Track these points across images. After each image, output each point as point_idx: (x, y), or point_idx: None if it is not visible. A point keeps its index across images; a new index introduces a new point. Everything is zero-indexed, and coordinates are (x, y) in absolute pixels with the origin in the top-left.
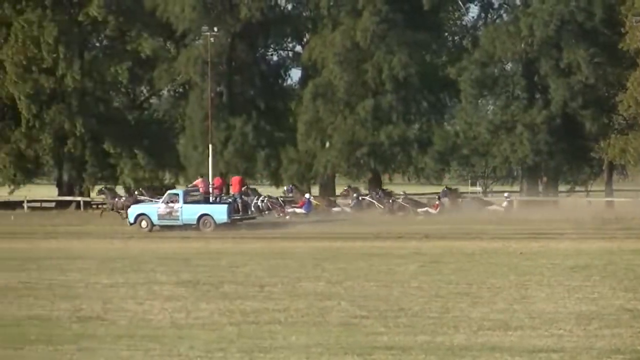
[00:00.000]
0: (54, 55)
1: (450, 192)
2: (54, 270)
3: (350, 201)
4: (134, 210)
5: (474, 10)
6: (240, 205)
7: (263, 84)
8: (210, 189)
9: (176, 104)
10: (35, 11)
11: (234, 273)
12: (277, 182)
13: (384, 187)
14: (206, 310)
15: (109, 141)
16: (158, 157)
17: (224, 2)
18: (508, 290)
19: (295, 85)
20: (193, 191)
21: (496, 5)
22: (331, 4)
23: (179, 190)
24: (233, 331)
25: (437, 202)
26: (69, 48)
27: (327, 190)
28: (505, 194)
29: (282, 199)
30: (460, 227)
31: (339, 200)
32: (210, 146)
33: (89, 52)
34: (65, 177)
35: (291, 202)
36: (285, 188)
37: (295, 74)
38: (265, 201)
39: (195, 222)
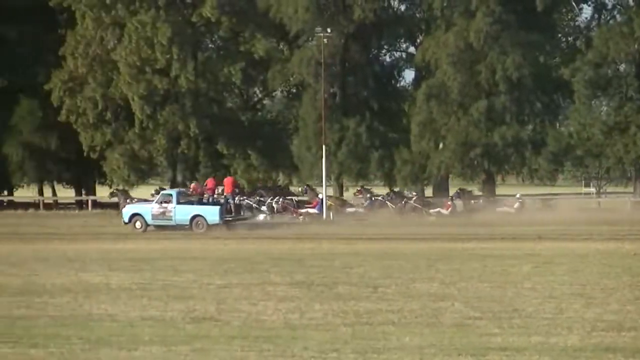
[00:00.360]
0: (168, 56)
1: (464, 193)
2: (167, 271)
3: (363, 201)
4: (128, 210)
5: (587, 11)
6: (232, 206)
7: (376, 85)
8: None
9: (289, 105)
10: (148, 12)
11: (347, 274)
12: (390, 183)
13: (395, 189)
14: (320, 311)
15: (223, 142)
16: (271, 158)
17: (338, 3)
18: (622, 291)
19: (408, 86)
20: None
21: (609, 6)
22: (444, 4)
23: (173, 191)
24: (347, 332)
25: (449, 203)
26: (182, 49)
27: (441, 191)
28: (517, 195)
29: (296, 199)
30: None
31: (352, 201)
32: (323, 147)
33: (203, 53)
34: (179, 178)
35: (305, 203)
36: (300, 189)
37: (409, 75)
38: (279, 202)
39: (188, 223)
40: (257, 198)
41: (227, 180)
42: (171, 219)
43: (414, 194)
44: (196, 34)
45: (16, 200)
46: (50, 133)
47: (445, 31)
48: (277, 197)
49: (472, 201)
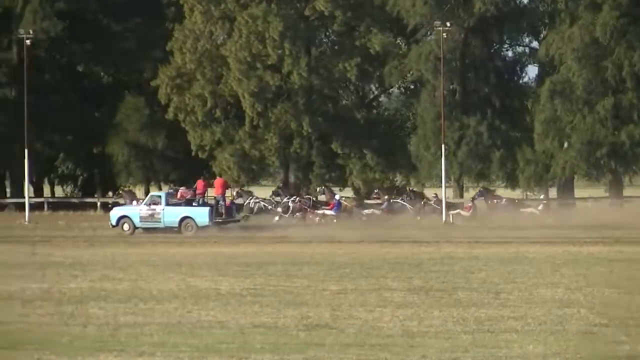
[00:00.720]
0: (280, 52)
1: (487, 193)
2: (280, 276)
3: (381, 203)
4: (116, 212)
5: None
6: (224, 208)
7: (498, 81)
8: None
9: (407, 102)
10: (259, 5)
11: (468, 279)
12: (513, 184)
13: (413, 188)
14: (439, 318)
15: (337, 141)
16: (388, 158)
17: None
18: None
19: (531, 83)
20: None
21: None
22: None
23: (162, 192)
24: (467, 340)
25: (469, 204)
26: (295, 44)
27: (566, 192)
28: (542, 196)
29: (313, 199)
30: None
31: (369, 202)
32: (443, 147)
33: (316, 48)
34: (292, 178)
35: (323, 204)
36: (317, 189)
37: (532, 71)
38: (296, 202)
39: (177, 225)
40: (273, 198)
41: (218, 182)
42: (160, 221)
43: (435, 195)
44: (309, 28)
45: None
46: (157, 132)
47: (570, 25)
48: (293, 197)
49: (495, 201)
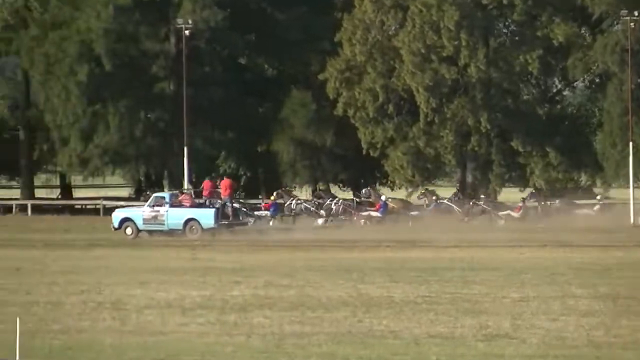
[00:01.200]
0: (456, 43)
1: (539, 194)
2: (456, 283)
3: (427, 204)
4: (118, 215)
5: None
6: (230, 210)
7: None
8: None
9: (592, 97)
10: None
11: None
12: None
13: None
14: (627, 327)
15: (518, 138)
16: (572, 157)
17: None
18: None
19: None
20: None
21: None
22: None
23: (166, 193)
24: None
25: (519, 205)
26: (472, 34)
27: None
28: (598, 197)
29: (357, 201)
30: None
31: (417, 204)
32: (630, 144)
33: (495, 39)
34: (469, 178)
35: (367, 205)
36: (362, 191)
37: None
38: (339, 204)
39: (181, 228)
40: (316, 200)
41: (224, 183)
42: (164, 224)
43: (483, 196)
44: (487, 17)
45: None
46: (325, 128)
47: None
48: (336, 199)
49: (548, 203)
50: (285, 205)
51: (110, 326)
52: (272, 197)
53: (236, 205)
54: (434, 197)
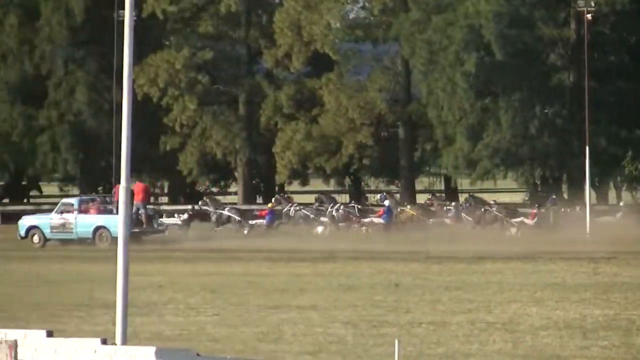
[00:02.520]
0: None
1: (557, 200)
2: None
3: (435, 209)
4: (25, 222)
5: None
6: (145, 216)
7: None
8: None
9: None
10: None
11: None
12: None
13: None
14: None
15: None
16: None
17: None
18: None
19: None
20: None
21: None
22: None
23: (74, 199)
24: None
25: (534, 211)
26: None
27: None
28: (621, 203)
29: (360, 207)
30: None
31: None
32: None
33: None
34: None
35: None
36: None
37: None
38: (340, 210)
39: (90, 236)
40: (316, 205)
41: (137, 187)
42: (72, 232)
43: (493, 201)
44: None
45: None
46: None
47: None
48: (338, 205)
49: (565, 210)
50: (284, 211)
51: (501, 349)
52: (270, 204)
53: (150, 212)
54: (453, 203)
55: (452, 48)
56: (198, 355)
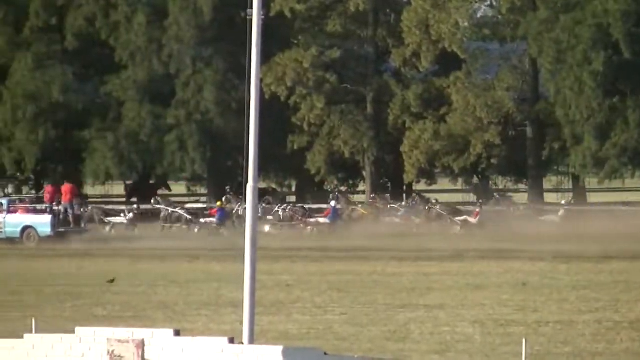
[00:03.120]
0: None
1: (503, 198)
2: None
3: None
4: None
5: None
6: (72, 216)
7: None
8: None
9: None
10: None
11: None
12: None
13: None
14: None
15: None
16: None
17: None
18: None
19: None
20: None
21: None
22: None
23: (4, 200)
24: None
25: (477, 210)
26: None
27: None
28: (563, 202)
29: (307, 207)
30: None
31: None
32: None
33: None
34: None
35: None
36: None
37: None
38: (287, 210)
39: (18, 236)
40: (263, 205)
41: (65, 188)
42: (1, 231)
43: (435, 200)
44: None
45: None
46: None
47: None
48: (285, 205)
49: (511, 208)
50: (233, 211)
51: (629, 348)
52: (219, 203)
53: (77, 211)
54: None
55: (580, 47)
56: (325, 354)
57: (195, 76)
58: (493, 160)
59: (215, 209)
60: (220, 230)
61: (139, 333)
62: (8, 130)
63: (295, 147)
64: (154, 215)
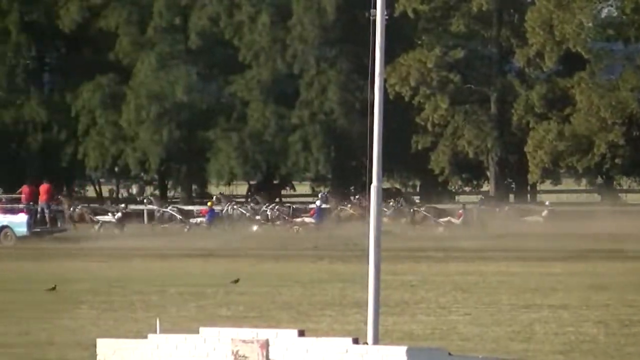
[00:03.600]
0: None
1: (486, 199)
2: None
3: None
4: None
5: None
6: (48, 216)
7: None
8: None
9: None
10: None
11: None
12: None
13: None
14: None
15: None
16: None
17: None
18: None
19: None
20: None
21: None
22: None
23: None
24: None
25: (460, 211)
26: None
27: None
28: (547, 202)
29: (294, 207)
30: None
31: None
32: None
33: None
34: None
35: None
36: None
37: None
38: (275, 209)
39: None
40: (251, 205)
41: (42, 188)
42: None
43: (417, 200)
44: None
45: None
46: None
47: None
48: (272, 205)
49: (497, 209)
50: (223, 211)
51: None
52: (209, 203)
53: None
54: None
55: None
56: (450, 354)
57: (319, 76)
58: (617, 160)
59: (207, 209)
60: (210, 229)
61: (263, 333)
62: (132, 130)
63: (419, 147)
64: (139, 215)
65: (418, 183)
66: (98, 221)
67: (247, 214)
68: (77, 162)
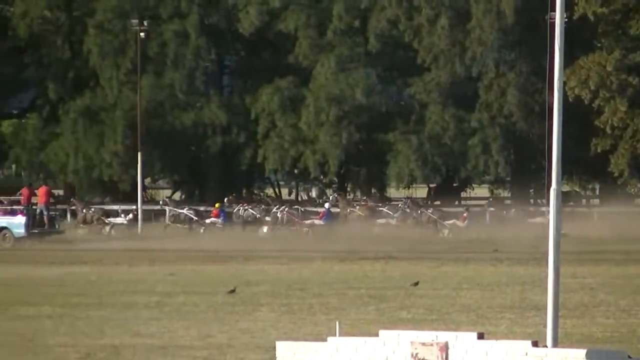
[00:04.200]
0: None
1: (495, 203)
2: None
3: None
4: None
5: None
6: (46, 218)
7: None
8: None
9: None
10: None
11: None
12: None
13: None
14: None
15: None
16: None
17: None
18: None
19: None
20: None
21: None
22: None
23: None
24: None
25: (464, 214)
26: None
27: None
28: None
29: (302, 209)
30: None
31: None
32: None
33: None
34: None
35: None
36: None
37: None
38: (284, 211)
39: None
40: (262, 207)
41: (41, 190)
42: None
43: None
44: None
45: None
46: None
47: None
48: (282, 207)
49: (504, 212)
50: (234, 212)
51: None
52: (217, 204)
53: (52, 213)
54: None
55: None
56: (629, 357)
57: (498, 79)
58: None
59: (216, 211)
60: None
61: (443, 336)
62: (312, 132)
63: (599, 149)
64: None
65: (597, 186)
66: (109, 223)
67: (258, 215)
68: (257, 164)
